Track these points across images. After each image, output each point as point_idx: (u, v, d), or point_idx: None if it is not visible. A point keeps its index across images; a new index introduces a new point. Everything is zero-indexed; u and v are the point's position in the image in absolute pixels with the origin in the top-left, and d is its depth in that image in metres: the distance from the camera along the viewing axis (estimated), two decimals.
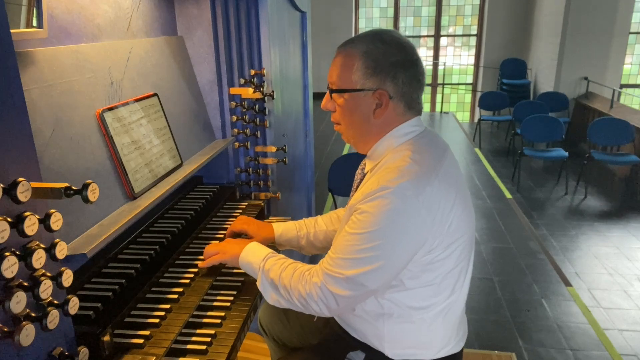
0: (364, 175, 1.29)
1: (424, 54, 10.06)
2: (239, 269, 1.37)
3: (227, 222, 1.78)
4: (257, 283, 1.29)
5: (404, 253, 1.11)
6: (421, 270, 1.16)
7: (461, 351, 1.33)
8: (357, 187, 1.32)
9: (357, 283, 1.11)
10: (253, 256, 1.32)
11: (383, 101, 1.17)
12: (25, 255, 0.78)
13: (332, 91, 1.23)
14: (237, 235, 1.58)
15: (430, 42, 9.88)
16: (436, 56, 9.86)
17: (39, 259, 0.80)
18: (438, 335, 1.24)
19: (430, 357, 1.25)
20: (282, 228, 1.57)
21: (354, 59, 1.17)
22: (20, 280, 0.79)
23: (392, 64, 1.15)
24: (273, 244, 1.57)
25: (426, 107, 10.18)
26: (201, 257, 1.50)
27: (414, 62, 1.17)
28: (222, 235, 1.66)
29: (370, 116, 1.19)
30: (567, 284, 3.44)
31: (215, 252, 1.40)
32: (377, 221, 1.07)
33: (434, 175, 1.11)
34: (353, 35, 10.03)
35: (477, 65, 9.62)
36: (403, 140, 1.19)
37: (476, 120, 8.24)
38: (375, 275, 1.10)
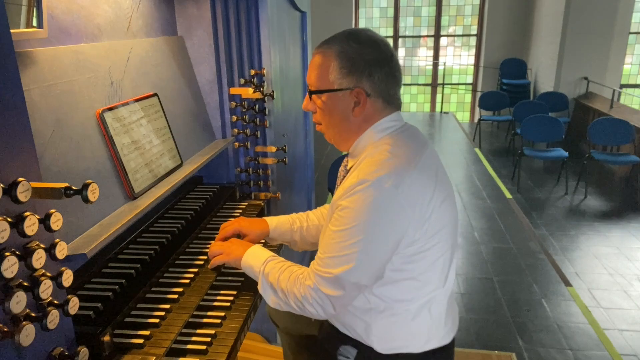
0: (347, 172, 1.31)
1: (424, 54, 10.05)
2: (240, 269, 1.37)
3: None
4: (258, 287, 1.29)
5: (388, 244, 1.13)
6: (405, 262, 1.18)
7: (452, 342, 1.33)
8: (340, 184, 1.34)
9: (346, 280, 1.13)
10: (254, 259, 1.32)
11: (361, 99, 1.20)
12: (25, 255, 0.79)
13: (311, 92, 1.26)
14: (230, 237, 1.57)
15: (430, 42, 9.87)
16: (436, 56, 9.85)
17: (39, 259, 0.80)
18: (424, 327, 1.25)
19: (418, 349, 1.26)
20: (275, 222, 1.57)
21: (329, 60, 1.20)
22: (20, 280, 0.79)
23: (367, 62, 1.17)
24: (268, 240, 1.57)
25: (426, 107, 10.18)
26: (201, 257, 1.51)
27: (389, 59, 1.20)
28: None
29: (350, 114, 1.22)
30: (567, 284, 3.44)
31: (219, 252, 1.40)
32: (358, 216, 1.10)
33: (412, 166, 1.14)
34: None
35: (477, 65, 9.61)
36: (383, 135, 1.22)
37: (476, 120, 8.24)
38: (363, 269, 1.12)
